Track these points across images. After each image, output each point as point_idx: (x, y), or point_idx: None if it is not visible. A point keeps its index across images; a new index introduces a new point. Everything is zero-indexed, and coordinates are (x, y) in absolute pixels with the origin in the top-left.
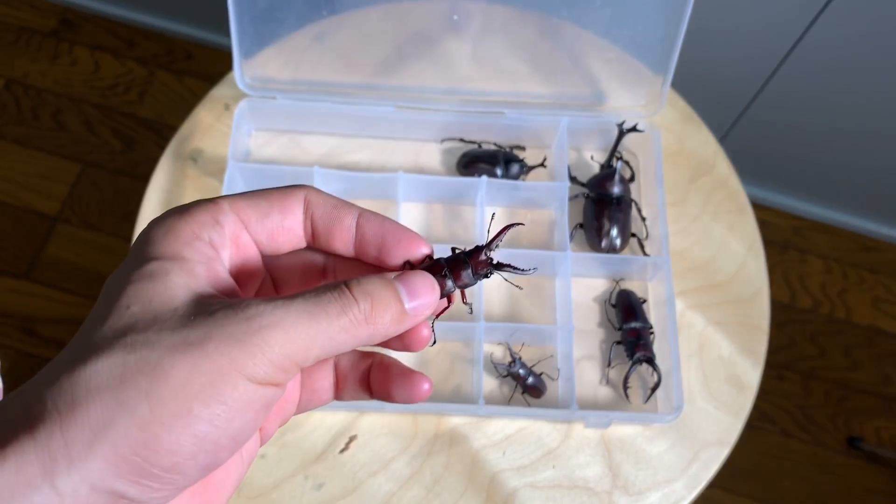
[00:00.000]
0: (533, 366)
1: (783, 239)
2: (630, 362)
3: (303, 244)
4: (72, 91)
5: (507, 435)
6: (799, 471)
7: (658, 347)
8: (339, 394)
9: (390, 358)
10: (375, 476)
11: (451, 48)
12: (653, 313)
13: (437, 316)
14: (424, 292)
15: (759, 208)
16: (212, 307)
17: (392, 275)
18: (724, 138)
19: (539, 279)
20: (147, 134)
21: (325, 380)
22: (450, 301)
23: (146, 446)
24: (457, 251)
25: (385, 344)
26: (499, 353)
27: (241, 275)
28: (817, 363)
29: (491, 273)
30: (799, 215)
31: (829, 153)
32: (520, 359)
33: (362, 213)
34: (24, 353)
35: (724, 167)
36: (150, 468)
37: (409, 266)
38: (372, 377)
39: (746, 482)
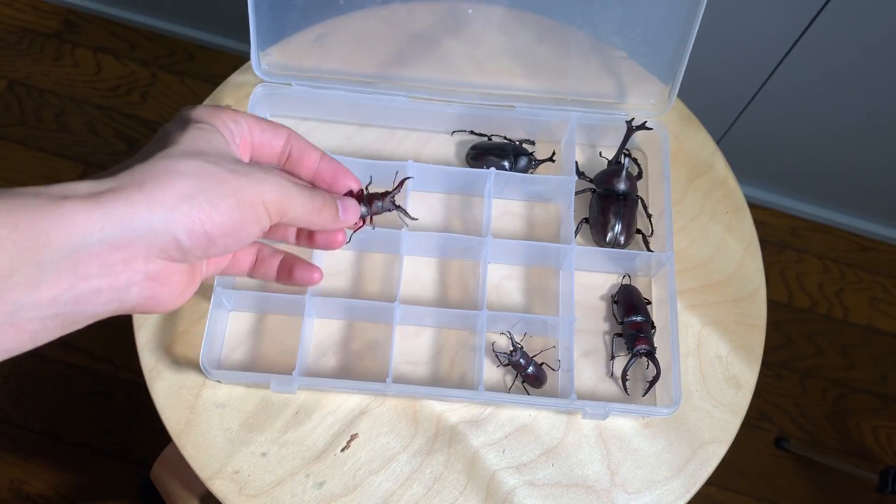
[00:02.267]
0: (534, 356)
1: (781, 239)
2: (629, 355)
3: (276, 163)
4: (74, 92)
5: (507, 433)
6: (796, 469)
7: (658, 342)
8: (252, 271)
9: (296, 255)
10: (376, 474)
11: (464, 43)
12: (655, 309)
13: (355, 230)
14: (352, 210)
15: (757, 208)
16: (246, 161)
17: (338, 196)
18: (722, 139)
19: (544, 271)
20: (149, 135)
21: (249, 256)
22: (364, 223)
23: (208, 218)
24: (368, 189)
25: (313, 242)
26: (501, 342)
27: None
28: (815, 362)
29: (391, 209)
30: (796, 215)
31: (826, 154)
32: (521, 348)
33: (324, 155)
34: (26, 353)
35: (721, 167)
36: (201, 230)
37: (348, 193)
38: (281, 264)
39: (744, 480)
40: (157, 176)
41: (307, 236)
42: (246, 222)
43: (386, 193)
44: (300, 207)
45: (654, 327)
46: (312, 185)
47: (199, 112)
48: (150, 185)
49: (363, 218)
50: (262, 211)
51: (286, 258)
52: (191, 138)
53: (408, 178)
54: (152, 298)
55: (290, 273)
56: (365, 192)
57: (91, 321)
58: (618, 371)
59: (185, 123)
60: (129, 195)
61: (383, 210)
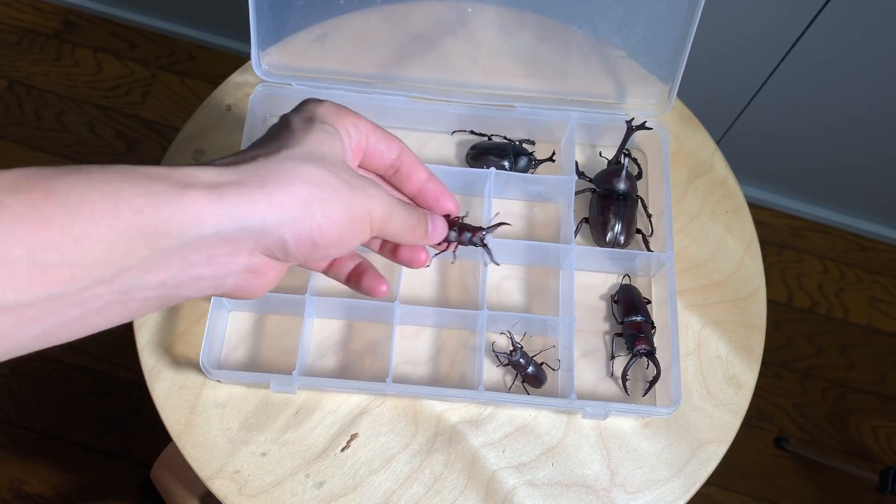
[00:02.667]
0: (534, 356)
1: (780, 239)
2: (630, 355)
3: (383, 173)
4: (74, 92)
5: (507, 433)
6: (796, 469)
7: (658, 342)
8: (327, 269)
9: (370, 263)
10: (376, 474)
11: (464, 43)
12: (655, 309)
13: (437, 251)
14: (440, 229)
15: (757, 209)
16: (355, 167)
17: (430, 214)
18: (721, 139)
19: (544, 271)
20: (149, 135)
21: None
22: (448, 246)
23: (318, 227)
24: (464, 220)
25: (396, 256)
26: (501, 342)
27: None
28: (814, 362)
29: (478, 245)
30: (796, 215)
31: (825, 154)
32: (521, 348)
33: (430, 175)
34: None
35: (721, 167)
36: (308, 238)
37: (445, 216)
38: (355, 268)
39: (743, 480)
40: (279, 177)
41: (391, 250)
42: (351, 235)
43: (479, 228)
44: (399, 225)
45: (654, 327)
46: (412, 201)
47: (324, 111)
48: (272, 185)
49: (448, 242)
50: (367, 226)
51: (361, 263)
52: (314, 141)
53: (505, 223)
54: (245, 288)
55: (358, 279)
56: (459, 220)
57: (184, 300)
58: (618, 371)
59: (310, 122)
60: (251, 193)
61: (469, 243)
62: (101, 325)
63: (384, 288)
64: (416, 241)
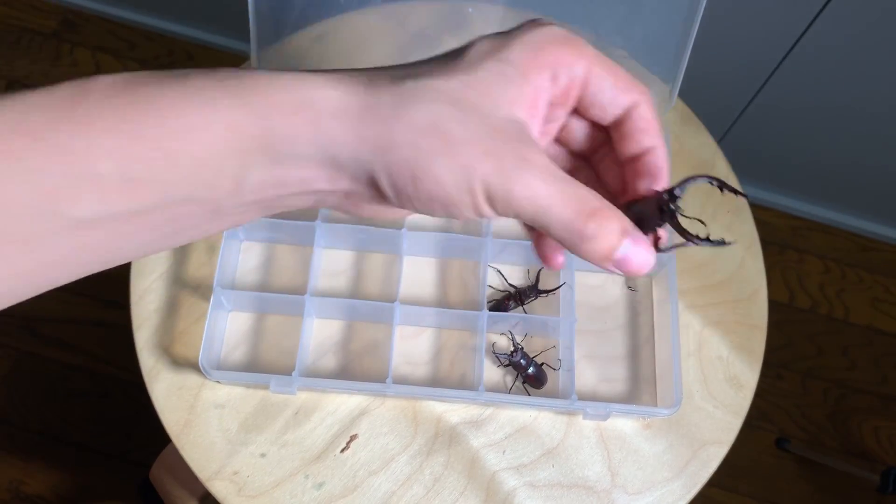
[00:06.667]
0: (535, 356)
1: (781, 239)
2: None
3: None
4: None
5: (507, 434)
6: (796, 470)
7: (659, 343)
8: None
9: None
10: (376, 475)
11: (464, 42)
12: (655, 309)
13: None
14: (636, 259)
15: (758, 209)
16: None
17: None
18: (722, 139)
19: (545, 271)
20: None
21: None
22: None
23: (411, 180)
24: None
25: (537, 246)
26: (502, 343)
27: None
28: (816, 363)
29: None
30: (797, 215)
31: (826, 154)
32: (521, 348)
33: (660, 146)
34: (26, 353)
35: (722, 168)
36: (399, 186)
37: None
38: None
39: (744, 481)
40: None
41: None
42: (449, 201)
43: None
44: (556, 227)
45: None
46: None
47: (517, 55)
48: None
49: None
50: (472, 199)
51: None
52: (479, 83)
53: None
54: (350, 210)
55: (539, 239)
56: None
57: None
58: (614, 375)
59: (493, 60)
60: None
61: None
62: (196, 237)
63: (559, 259)
64: (584, 255)
